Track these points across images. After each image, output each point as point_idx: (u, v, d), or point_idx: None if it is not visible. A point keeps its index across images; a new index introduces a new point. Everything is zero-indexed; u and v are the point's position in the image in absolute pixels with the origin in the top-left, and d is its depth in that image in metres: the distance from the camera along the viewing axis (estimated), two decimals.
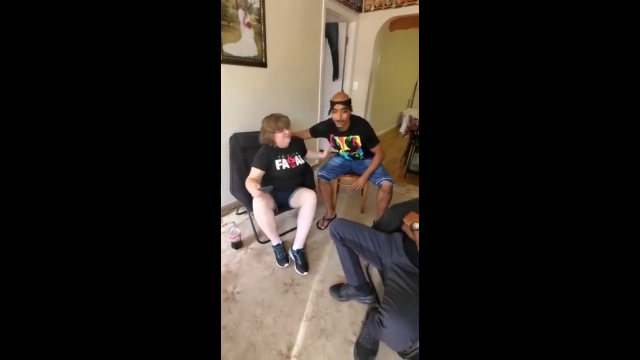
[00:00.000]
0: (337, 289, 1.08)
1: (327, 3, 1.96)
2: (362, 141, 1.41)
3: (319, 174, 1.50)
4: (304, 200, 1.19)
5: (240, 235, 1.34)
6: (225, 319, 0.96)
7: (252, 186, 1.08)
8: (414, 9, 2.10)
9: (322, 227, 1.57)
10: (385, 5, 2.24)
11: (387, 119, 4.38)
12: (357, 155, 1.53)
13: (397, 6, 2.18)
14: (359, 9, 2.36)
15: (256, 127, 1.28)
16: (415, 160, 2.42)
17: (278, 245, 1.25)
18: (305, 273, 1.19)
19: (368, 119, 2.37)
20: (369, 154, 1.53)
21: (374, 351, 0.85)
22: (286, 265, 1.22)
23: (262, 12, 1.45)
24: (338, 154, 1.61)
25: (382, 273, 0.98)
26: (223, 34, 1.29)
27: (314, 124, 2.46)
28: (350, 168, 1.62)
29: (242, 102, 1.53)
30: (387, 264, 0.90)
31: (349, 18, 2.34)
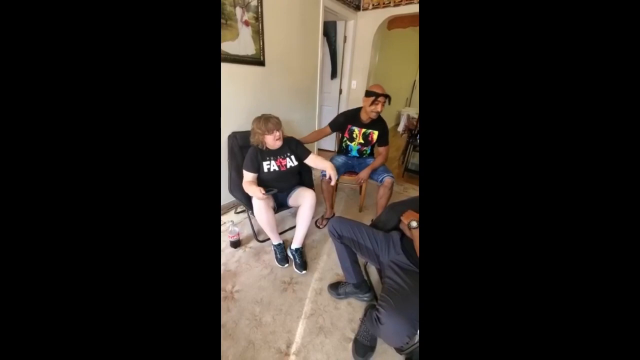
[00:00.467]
0: (335, 287, 1.09)
1: (325, 1, 1.95)
2: (377, 138, 1.48)
3: (323, 172, 1.51)
4: (303, 199, 1.19)
5: (239, 234, 1.34)
6: (225, 317, 0.96)
7: (255, 190, 1.07)
8: (413, 8, 2.10)
9: (320, 226, 1.58)
10: (384, 3, 2.24)
11: (385, 117, 4.37)
12: (365, 152, 1.57)
13: (396, 5, 2.18)
14: (357, 8, 2.35)
15: None
16: (413, 159, 2.43)
17: (279, 244, 1.25)
18: (304, 272, 1.20)
19: None
20: (371, 154, 1.56)
21: (372, 347, 0.86)
22: (286, 265, 1.22)
23: (259, 10, 1.45)
24: (341, 153, 1.63)
25: (379, 271, 1.00)
26: (221, 33, 1.28)
27: (312, 122, 2.46)
28: (352, 167, 1.63)
29: (240, 101, 1.53)
30: (384, 262, 0.91)
31: (347, 16, 2.33)
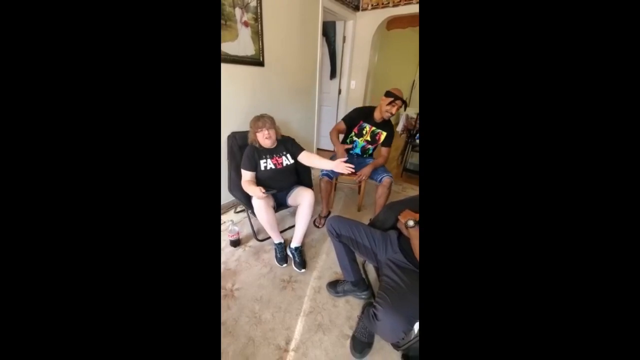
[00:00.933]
0: (333, 285, 1.10)
1: (324, 2, 1.96)
2: (384, 139, 1.54)
3: (323, 172, 1.52)
4: (302, 199, 1.21)
5: (238, 233, 1.35)
6: (225, 315, 0.98)
7: (255, 189, 1.08)
8: (411, 8, 2.11)
9: (319, 226, 1.60)
10: (383, 4, 2.25)
11: None
12: (368, 151, 1.62)
13: (395, 5, 2.19)
14: (356, 8, 2.36)
15: None
16: (412, 159, 2.45)
17: (279, 243, 1.27)
18: (303, 270, 1.21)
19: None
20: (371, 155, 1.59)
21: (369, 344, 0.88)
22: (284, 265, 1.24)
23: (259, 11, 1.45)
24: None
25: (377, 269, 1.01)
26: (220, 33, 1.29)
27: (311, 122, 2.47)
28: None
29: (239, 101, 1.54)
30: (382, 260, 0.92)
31: (346, 17, 2.34)
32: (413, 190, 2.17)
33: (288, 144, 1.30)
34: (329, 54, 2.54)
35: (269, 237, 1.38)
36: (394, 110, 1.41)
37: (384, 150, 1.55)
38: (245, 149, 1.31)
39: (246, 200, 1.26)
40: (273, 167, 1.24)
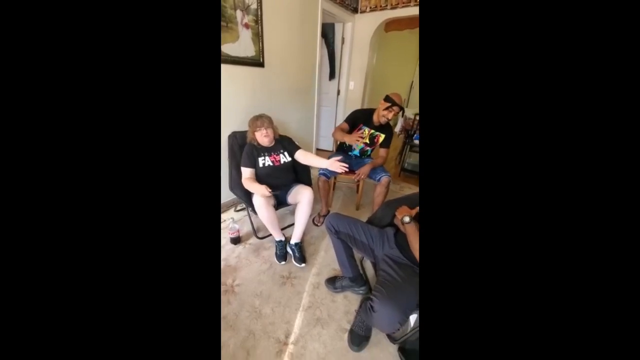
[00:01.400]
0: (332, 281, 1.13)
1: (323, 4, 1.99)
2: (382, 141, 1.58)
3: (321, 171, 1.55)
4: (302, 196, 1.23)
5: (238, 231, 1.38)
6: (225, 310, 1.00)
7: (260, 187, 1.11)
8: (409, 11, 2.15)
9: (318, 224, 1.62)
10: (381, 6, 2.28)
11: None
12: (367, 152, 1.66)
13: (392, 7, 2.22)
14: (354, 10, 2.40)
15: None
16: (410, 159, 2.48)
17: (280, 241, 1.29)
18: (303, 265, 1.24)
19: None
20: (369, 157, 1.63)
21: (366, 337, 0.90)
22: (283, 262, 1.26)
23: (259, 13, 1.48)
24: (340, 151, 1.68)
25: (374, 265, 1.04)
26: (222, 35, 1.32)
27: (310, 122, 2.49)
28: (350, 166, 1.68)
29: (240, 101, 1.56)
30: (379, 256, 0.95)
31: (345, 19, 2.38)
32: (410, 190, 2.20)
33: (285, 143, 1.33)
34: (328, 55, 2.57)
35: (269, 235, 1.40)
36: (390, 115, 1.44)
37: (382, 151, 1.59)
38: (244, 149, 1.33)
39: (247, 198, 1.28)
40: (271, 164, 1.27)
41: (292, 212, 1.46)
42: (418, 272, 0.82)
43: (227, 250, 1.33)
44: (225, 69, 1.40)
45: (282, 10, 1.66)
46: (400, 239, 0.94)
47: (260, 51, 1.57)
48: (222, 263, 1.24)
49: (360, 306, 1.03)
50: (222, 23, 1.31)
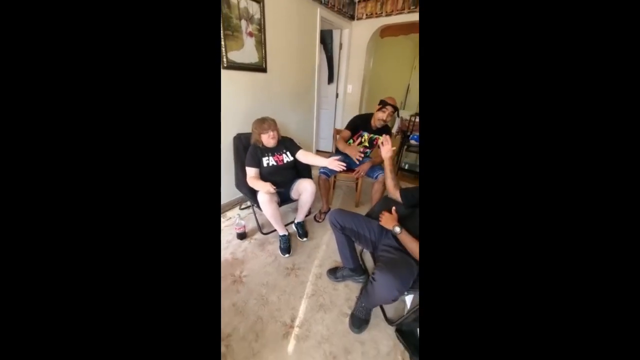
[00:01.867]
0: (333, 272, 1.20)
1: (321, 12, 2.10)
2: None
3: (321, 170, 1.64)
4: (304, 189, 1.32)
5: (244, 226, 1.45)
6: (235, 297, 1.07)
7: (265, 184, 1.19)
8: (403, 17, 2.26)
9: (319, 220, 1.70)
10: (376, 14, 2.40)
11: None
12: (366, 154, 1.74)
13: (387, 15, 2.34)
14: (351, 17, 2.51)
15: None
16: (406, 159, 2.57)
17: (284, 235, 1.37)
18: (305, 239, 1.43)
19: None
20: (367, 157, 1.73)
21: (366, 321, 0.98)
22: (287, 255, 1.33)
23: (262, 22, 1.58)
24: (339, 152, 1.77)
25: (373, 256, 1.12)
26: (227, 43, 1.41)
27: (310, 124, 2.59)
28: (349, 165, 1.77)
29: (244, 104, 1.65)
30: (379, 246, 1.03)
31: (343, 25, 2.49)
32: None
33: (287, 143, 1.42)
34: (326, 60, 2.68)
35: (273, 231, 1.48)
36: (384, 116, 1.53)
37: (379, 151, 1.67)
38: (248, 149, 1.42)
39: (252, 195, 1.36)
40: (275, 164, 1.36)
41: (295, 210, 1.54)
42: (412, 257, 0.90)
43: (234, 245, 1.41)
44: (230, 75, 1.49)
45: (283, 18, 1.76)
46: None
47: (263, 57, 1.67)
48: (230, 256, 1.32)
49: (361, 292, 1.11)
50: (228, 32, 1.40)
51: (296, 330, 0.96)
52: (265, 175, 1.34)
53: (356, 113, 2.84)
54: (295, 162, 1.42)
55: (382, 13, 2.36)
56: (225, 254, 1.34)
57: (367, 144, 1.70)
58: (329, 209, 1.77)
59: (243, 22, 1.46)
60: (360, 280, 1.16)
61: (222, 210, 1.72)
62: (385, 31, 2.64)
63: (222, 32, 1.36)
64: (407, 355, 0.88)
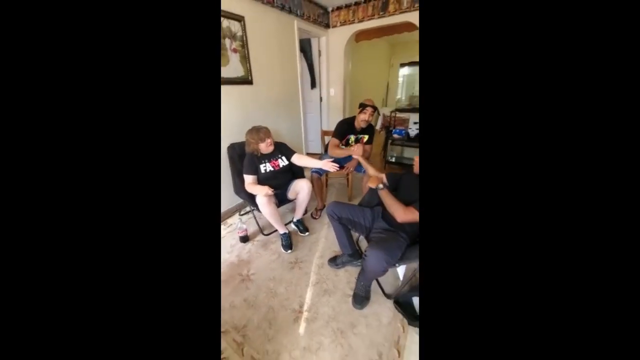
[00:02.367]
0: (334, 260, 1.31)
1: (298, 23, 2.24)
2: (367, 140, 1.81)
3: (313, 170, 1.75)
4: (300, 188, 1.43)
5: (246, 230, 1.54)
6: (245, 294, 1.16)
7: (263, 188, 1.29)
8: (374, 22, 2.44)
9: (316, 217, 1.81)
10: (349, 20, 2.57)
11: None
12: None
13: (360, 21, 2.51)
14: (327, 26, 2.67)
15: None
16: (392, 152, 2.73)
17: (284, 233, 1.46)
18: (307, 233, 1.56)
19: None
20: None
21: (367, 298, 1.09)
22: (290, 251, 1.43)
23: (244, 38, 1.70)
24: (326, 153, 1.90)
25: (367, 239, 1.24)
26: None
27: (298, 129, 2.70)
28: (339, 162, 1.89)
29: (235, 116, 1.75)
30: (372, 230, 1.15)
31: (319, 34, 2.64)
32: None
33: (282, 148, 1.52)
34: (307, 67, 2.82)
35: (274, 231, 1.57)
36: (366, 117, 1.67)
37: (366, 147, 1.81)
38: (244, 157, 1.51)
39: (250, 199, 1.45)
40: (272, 169, 1.46)
41: (292, 210, 1.64)
42: (401, 235, 1.03)
43: (238, 248, 1.49)
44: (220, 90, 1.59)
45: (264, 33, 1.89)
46: (386, 212, 1.14)
47: (249, 70, 1.78)
48: (236, 258, 1.40)
49: (360, 274, 1.22)
50: None
51: (305, 314, 1.05)
52: (264, 180, 1.43)
53: (340, 114, 3.00)
54: (291, 165, 1.53)
55: (354, 20, 2.53)
56: (231, 257, 1.42)
57: (354, 144, 1.83)
58: (324, 206, 1.88)
59: (227, 40, 1.57)
60: (358, 264, 1.27)
61: (222, 218, 1.80)
62: (360, 36, 2.81)
63: None
64: (405, 322, 1.00)
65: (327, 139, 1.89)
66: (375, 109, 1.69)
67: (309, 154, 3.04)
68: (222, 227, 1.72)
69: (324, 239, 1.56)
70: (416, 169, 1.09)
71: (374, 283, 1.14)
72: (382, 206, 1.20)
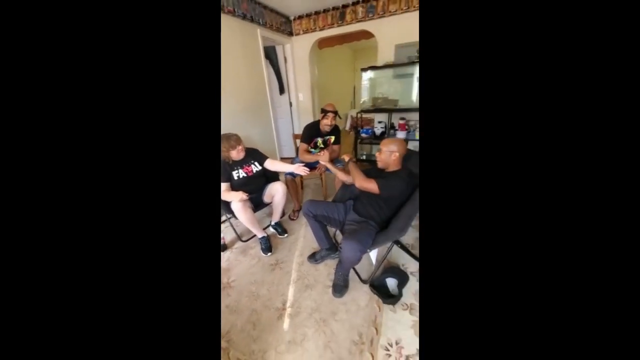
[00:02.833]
0: (313, 256, 1.37)
1: (262, 31, 2.29)
2: (333, 141, 1.90)
3: (286, 174, 1.79)
4: (276, 190, 1.47)
5: (223, 238, 1.52)
6: (227, 300, 1.15)
7: (236, 193, 1.30)
8: (334, 30, 2.60)
9: (293, 218, 1.85)
10: (311, 29, 2.70)
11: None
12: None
13: (321, 29, 2.66)
14: (290, 34, 2.76)
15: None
16: (362, 150, 2.90)
17: (263, 237, 1.48)
18: (286, 235, 1.59)
19: None
20: None
21: (345, 286, 1.16)
22: (269, 254, 1.45)
23: None
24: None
25: (342, 232, 1.32)
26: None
27: (269, 134, 2.73)
28: (311, 165, 1.96)
29: None
30: (345, 223, 1.24)
31: (284, 41, 2.72)
32: None
33: (254, 154, 1.54)
34: (274, 73, 2.87)
35: (252, 237, 1.58)
36: (328, 121, 1.78)
37: (335, 147, 1.92)
38: None
39: (226, 207, 1.44)
40: (245, 175, 1.47)
41: (269, 215, 1.66)
42: (370, 223, 1.13)
43: None
44: None
45: (228, 41, 1.90)
46: (357, 205, 1.24)
47: None
48: None
49: (337, 265, 1.30)
50: None
51: (288, 310, 1.09)
52: (238, 186, 1.44)
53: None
54: (264, 170, 1.55)
55: (316, 28, 2.67)
56: None
57: (322, 145, 1.92)
58: (301, 207, 1.93)
59: None
60: (336, 256, 1.34)
61: None
62: (323, 43, 2.96)
63: None
64: (380, 302, 1.09)
65: (299, 142, 1.95)
66: (335, 113, 1.80)
67: (282, 159, 3.07)
68: None
69: (303, 238, 1.61)
70: (379, 164, 1.20)
71: (351, 271, 1.23)
72: (353, 199, 1.30)
